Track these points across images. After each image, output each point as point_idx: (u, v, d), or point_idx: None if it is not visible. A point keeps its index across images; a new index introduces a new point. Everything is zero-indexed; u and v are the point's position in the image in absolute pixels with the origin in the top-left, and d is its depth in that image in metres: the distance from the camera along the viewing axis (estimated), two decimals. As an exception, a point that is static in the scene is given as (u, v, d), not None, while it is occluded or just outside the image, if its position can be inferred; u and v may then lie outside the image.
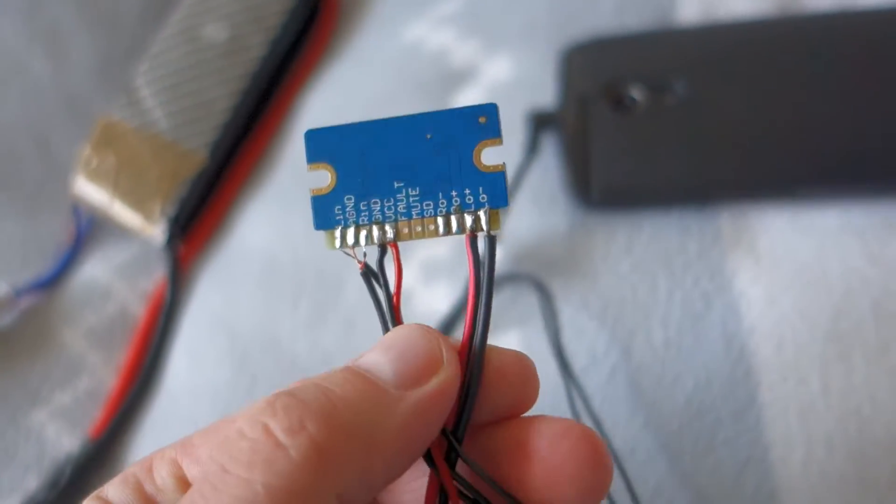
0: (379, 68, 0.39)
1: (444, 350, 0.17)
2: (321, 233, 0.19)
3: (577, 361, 0.30)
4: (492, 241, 0.18)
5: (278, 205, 0.37)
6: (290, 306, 0.34)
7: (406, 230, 0.19)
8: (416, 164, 0.18)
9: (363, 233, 0.19)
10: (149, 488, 0.19)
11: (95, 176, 0.37)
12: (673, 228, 0.32)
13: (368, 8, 0.43)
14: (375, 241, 0.19)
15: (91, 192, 0.37)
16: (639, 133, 0.33)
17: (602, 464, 0.18)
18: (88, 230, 0.38)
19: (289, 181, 0.37)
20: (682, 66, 0.33)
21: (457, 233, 0.18)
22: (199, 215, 0.37)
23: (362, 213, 0.19)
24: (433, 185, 0.18)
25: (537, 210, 0.33)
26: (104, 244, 0.38)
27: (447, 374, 0.17)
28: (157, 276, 0.37)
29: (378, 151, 0.19)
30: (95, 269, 0.37)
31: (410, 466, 0.17)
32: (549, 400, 0.29)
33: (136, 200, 0.36)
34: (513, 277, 0.32)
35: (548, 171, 0.34)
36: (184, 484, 0.18)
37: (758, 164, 0.31)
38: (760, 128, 0.32)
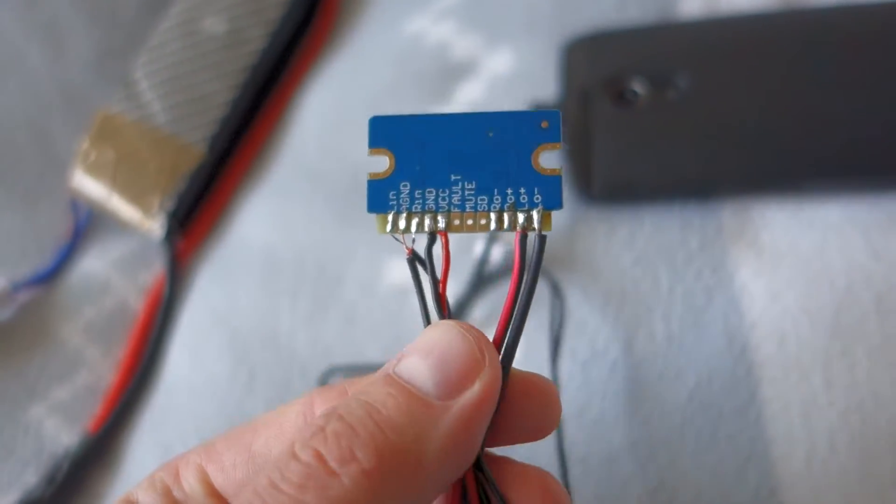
0: (379, 61, 0.39)
1: (485, 350, 0.17)
2: (372, 216, 0.19)
3: (579, 356, 0.30)
4: (542, 241, 0.18)
5: (278, 199, 0.37)
6: (289, 301, 0.33)
7: (457, 222, 0.19)
8: (475, 160, 0.19)
9: (415, 220, 0.19)
10: (177, 494, 0.19)
11: (94, 169, 0.36)
12: (675, 222, 0.31)
13: (369, 1, 0.42)
14: (427, 228, 0.19)
15: (89, 185, 0.36)
16: (640, 127, 0.32)
17: None
18: (87, 224, 0.38)
19: (289, 175, 0.37)
20: (684, 59, 0.33)
21: (507, 229, 0.19)
22: (197, 209, 0.37)
23: (416, 201, 0.19)
24: (490, 180, 0.19)
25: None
26: (102, 238, 0.37)
27: (489, 377, 0.17)
28: (155, 270, 0.37)
29: (439, 143, 0.19)
30: (94, 264, 0.37)
31: (457, 477, 0.17)
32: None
33: (134, 194, 0.36)
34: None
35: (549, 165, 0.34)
36: (210, 489, 0.19)
37: (760, 157, 0.31)
38: (763, 121, 0.31)
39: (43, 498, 0.31)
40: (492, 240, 0.32)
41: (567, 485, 0.27)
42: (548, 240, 0.32)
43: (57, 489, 0.31)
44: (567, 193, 0.32)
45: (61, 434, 0.33)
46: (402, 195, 0.19)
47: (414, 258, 0.19)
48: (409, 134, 0.19)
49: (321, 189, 0.36)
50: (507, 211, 0.19)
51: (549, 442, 0.27)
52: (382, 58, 0.39)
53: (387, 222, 0.19)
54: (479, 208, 0.19)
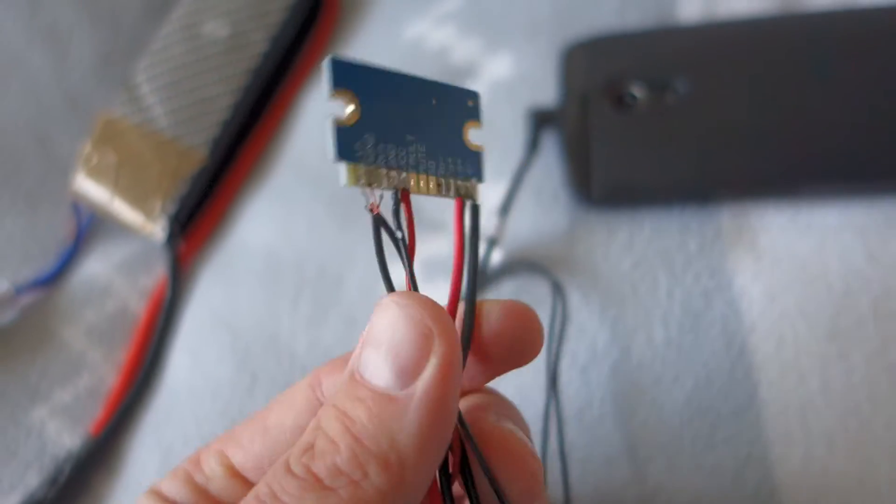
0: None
1: (433, 321, 0.17)
2: (341, 166, 0.18)
3: (579, 359, 0.30)
4: (475, 209, 0.20)
5: (279, 202, 0.37)
6: (290, 303, 0.34)
7: (413, 182, 0.19)
8: (424, 124, 0.19)
9: (381, 175, 0.18)
10: (199, 478, 0.20)
11: (96, 173, 0.37)
12: (674, 226, 0.32)
13: (370, 5, 0.42)
14: (390, 185, 0.19)
15: (91, 189, 0.37)
16: (639, 131, 0.33)
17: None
18: (89, 227, 0.38)
19: (290, 178, 0.37)
20: (682, 64, 0.33)
21: (451, 195, 0.20)
22: (199, 213, 0.37)
23: (379, 156, 0.18)
24: (435, 147, 0.19)
25: (538, 207, 0.33)
26: (104, 241, 0.38)
27: (443, 349, 0.17)
28: (157, 273, 0.37)
29: (397, 100, 0.19)
30: (96, 267, 0.37)
31: (445, 451, 0.18)
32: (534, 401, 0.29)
33: (136, 198, 0.36)
34: (523, 266, 0.32)
35: (549, 169, 0.34)
36: (231, 471, 0.20)
37: (758, 161, 0.31)
38: (761, 126, 0.32)
39: (45, 500, 0.31)
40: (492, 244, 0.32)
41: (567, 485, 0.27)
42: (548, 243, 0.32)
43: (59, 491, 0.31)
44: (566, 197, 0.33)
45: (63, 436, 0.33)
46: (367, 147, 0.18)
47: (380, 219, 0.19)
48: (371, 84, 0.18)
49: (322, 193, 0.36)
50: (450, 178, 0.20)
51: (550, 444, 0.28)
52: (383, 61, 0.39)
53: (357, 173, 0.18)
54: (430, 171, 0.19)
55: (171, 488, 0.20)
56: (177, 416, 0.32)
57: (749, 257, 0.30)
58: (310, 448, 0.17)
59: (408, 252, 0.19)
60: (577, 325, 0.30)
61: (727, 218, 0.31)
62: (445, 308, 0.18)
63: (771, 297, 0.29)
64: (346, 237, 0.35)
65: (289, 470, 0.17)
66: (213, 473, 0.20)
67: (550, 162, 0.34)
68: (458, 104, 0.20)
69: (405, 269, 0.19)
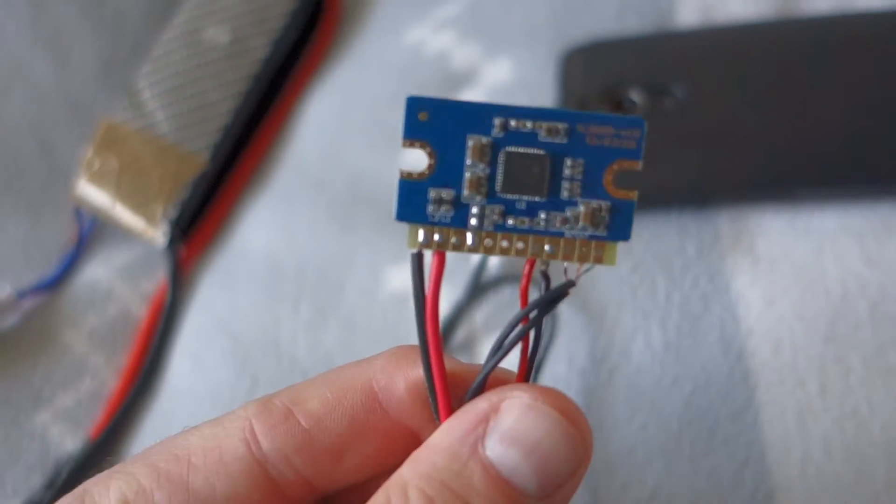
0: (380, 70, 0.40)
1: (588, 443, 0.16)
2: (403, 225, 0.16)
3: (577, 363, 0.30)
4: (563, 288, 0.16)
5: (280, 207, 0.37)
6: (290, 308, 0.34)
7: (505, 244, 0.16)
8: (534, 172, 0.16)
9: (455, 238, 0.16)
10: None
11: (98, 178, 0.37)
12: (672, 230, 0.32)
13: (370, 10, 0.43)
14: (466, 248, 0.16)
15: (93, 194, 0.37)
16: (638, 135, 0.33)
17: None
18: (91, 232, 0.38)
19: (291, 183, 0.38)
20: (680, 69, 0.33)
21: (563, 259, 0.16)
22: (200, 217, 0.37)
23: (458, 214, 0.16)
24: (550, 199, 0.16)
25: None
26: (106, 246, 0.38)
27: (586, 466, 0.16)
28: (158, 277, 0.37)
29: (494, 143, 0.16)
30: (97, 271, 0.37)
31: None
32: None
33: (137, 203, 0.36)
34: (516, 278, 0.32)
35: (547, 174, 0.34)
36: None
37: (756, 166, 0.31)
38: (759, 130, 0.32)
39: (42, 503, 0.31)
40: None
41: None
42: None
43: (55, 494, 0.31)
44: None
45: (66, 440, 0.33)
46: (440, 206, 0.16)
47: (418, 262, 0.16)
48: (455, 126, 0.15)
49: (322, 197, 0.36)
50: (572, 239, 0.16)
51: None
52: (383, 67, 0.40)
53: (418, 236, 0.16)
54: (534, 231, 0.16)
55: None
56: (177, 420, 0.32)
57: (747, 261, 0.30)
58: None
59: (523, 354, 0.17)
60: (576, 328, 0.30)
61: (725, 222, 0.31)
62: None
63: (769, 301, 0.29)
64: (347, 242, 0.35)
65: None
66: None
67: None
68: (607, 138, 0.16)
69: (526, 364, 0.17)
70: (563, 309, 0.31)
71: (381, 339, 0.32)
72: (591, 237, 0.16)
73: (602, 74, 0.34)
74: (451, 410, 0.17)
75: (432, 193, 0.16)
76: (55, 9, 0.42)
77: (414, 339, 0.31)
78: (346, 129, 0.38)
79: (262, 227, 0.37)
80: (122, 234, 0.37)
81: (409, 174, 0.16)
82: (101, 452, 0.32)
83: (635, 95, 0.33)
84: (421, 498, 0.16)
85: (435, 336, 0.17)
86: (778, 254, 0.30)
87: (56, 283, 0.37)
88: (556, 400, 0.16)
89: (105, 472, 0.18)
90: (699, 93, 0.33)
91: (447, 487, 0.16)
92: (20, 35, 0.41)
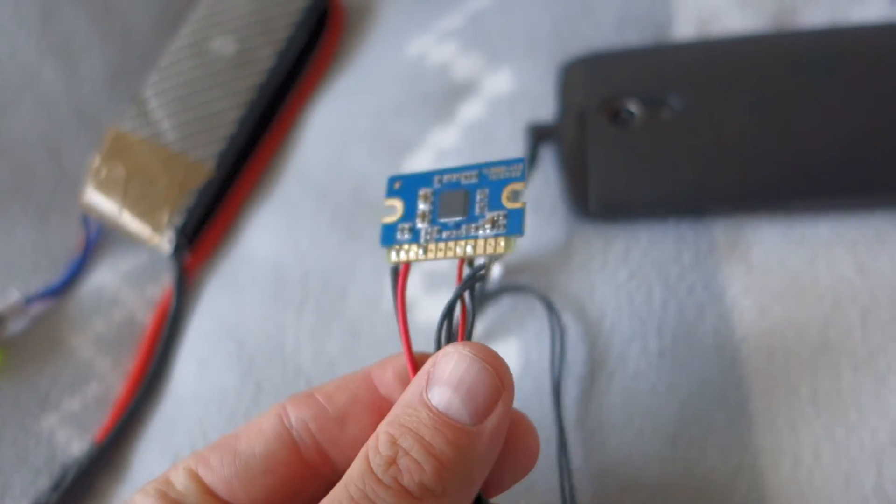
0: (383, 81, 0.40)
1: (504, 376, 0.21)
2: (384, 249, 0.25)
3: (574, 369, 0.30)
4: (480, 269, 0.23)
5: (284, 214, 0.38)
6: (294, 314, 0.34)
7: (441, 249, 0.24)
8: (456, 202, 0.24)
9: (412, 251, 0.24)
10: (173, 494, 0.23)
11: (105, 186, 0.37)
12: (669, 239, 0.32)
13: (373, 22, 0.43)
14: (420, 257, 0.24)
15: (100, 201, 0.37)
16: (636, 146, 0.33)
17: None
18: (98, 239, 0.39)
19: (295, 191, 0.38)
20: (677, 80, 0.34)
21: (480, 253, 0.23)
22: (205, 225, 0.38)
23: (413, 237, 0.24)
24: (469, 218, 0.24)
25: (537, 220, 0.34)
26: (113, 252, 0.38)
27: (508, 397, 0.21)
28: (164, 283, 0.38)
29: (439, 189, 0.24)
30: (104, 277, 0.38)
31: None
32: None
33: (144, 210, 0.37)
34: (516, 289, 0.32)
35: (548, 183, 0.35)
36: (205, 489, 0.23)
37: (752, 176, 0.32)
38: (754, 141, 0.32)
39: (49, 505, 0.32)
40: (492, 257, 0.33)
41: (565, 493, 0.28)
42: (547, 255, 0.33)
43: (62, 496, 0.32)
44: (564, 210, 0.34)
45: (73, 444, 0.34)
46: (403, 233, 0.24)
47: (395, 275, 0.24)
48: (413, 187, 0.25)
49: (326, 205, 0.37)
50: (483, 239, 0.23)
51: (548, 454, 0.28)
52: (386, 77, 0.40)
53: (391, 254, 0.24)
54: (459, 238, 0.24)
55: (144, 501, 0.22)
56: (182, 424, 0.33)
57: (741, 269, 0.31)
58: (392, 463, 0.20)
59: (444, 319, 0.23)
60: (574, 335, 0.31)
61: (721, 231, 0.32)
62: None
63: (762, 310, 0.30)
64: (350, 249, 0.35)
65: (378, 480, 0.20)
66: (187, 491, 0.23)
67: (549, 176, 0.35)
68: (500, 173, 0.24)
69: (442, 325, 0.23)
70: (562, 315, 0.31)
71: (384, 345, 0.33)
72: (496, 235, 0.23)
73: (601, 86, 0.35)
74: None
75: (399, 226, 0.25)
76: (64, 19, 0.43)
77: (415, 348, 0.32)
78: (350, 139, 0.39)
79: (266, 235, 0.37)
80: (128, 240, 0.38)
81: (388, 220, 0.25)
82: (106, 456, 0.33)
83: (633, 106, 0.34)
84: (386, 438, 0.20)
85: (404, 324, 0.23)
86: (772, 262, 0.31)
87: (63, 288, 0.37)
88: (473, 347, 0.21)
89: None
90: (696, 104, 0.33)
91: (404, 427, 0.21)
92: (30, 45, 0.42)
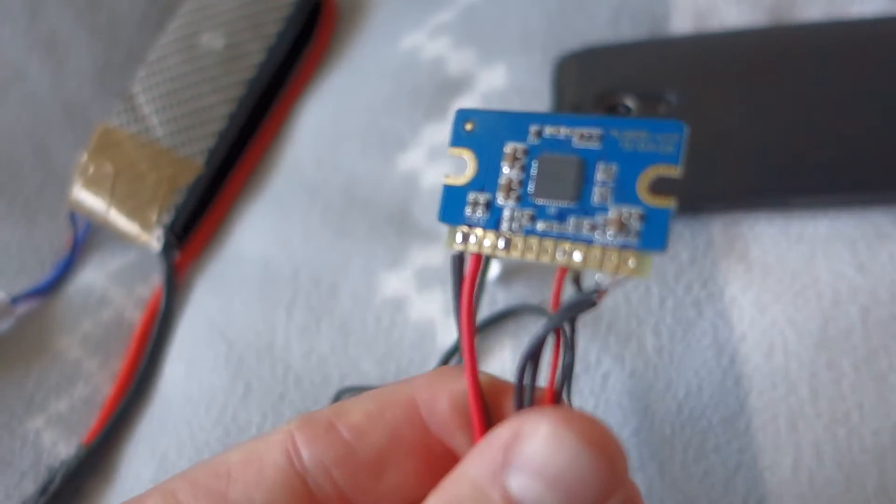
0: (376, 76, 0.40)
1: (619, 470, 0.15)
2: (444, 226, 0.17)
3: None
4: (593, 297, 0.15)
5: (274, 212, 0.37)
6: (284, 313, 0.34)
7: (534, 251, 0.16)
8: (570, 178, 0.16)
9: (488, 240, 0.16)
10: None
11: (92, 183, 0.37)
12: (665, 236, 0.32)
13: (366, 16, 0.43)
14: (498, 253, 0.16)
15: (88, 199, 0.37)
16: (631, 142, 0.33)
17: None
18: (85, 237, 0.38)
19: (286, 188, 0.38)
20: (674, 75, 0.34)
21: (594, 268, 0.16)
22: (195, 222, 0.37)
23: (491, 219, 0.16)
24: (582, 206, 0.16)
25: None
26: (101, 251, 0.38)
27: (620, 496, 0.15)
28: (153, 282, 0.37)
29: (531, 151, 0.16)
30: (92, 276, 0.37)
31: None
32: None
33: (132, 208, 0.36)
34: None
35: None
36: None
37: (749, 173, 0.31)
38: (752, 137, 0.32)
39: (34, 508, 0.31)
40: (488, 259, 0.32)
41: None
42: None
43: (49, 500, 0.31)
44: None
45: (59, 446, 0.33)
46: (476, 209, 0.17)
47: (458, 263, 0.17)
48: (497, 135, 0.16)
49: (317, 202, 0.36)
50: (601, 247, 0.16)
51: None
52: (379, 72, 0.40)
53: (456, 237, 0.17)
54: (562, 236, 0.16)
55: None
56: (171, 425, 0.32)
57: (740, 267, 0.30)
58: None
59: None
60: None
61: (719, 228, 0.32)
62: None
63: (761, 307, 0.29)
64: (341, 247, 0.35)
65: None
66: None
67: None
68: (645, 143, 0.16)
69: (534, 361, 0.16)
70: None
71: (375, 344, 0.32)
72: (622, 245, 0.15)
73: (596, 80, 0.34)
74: (485, 428, 0.16)
75: (470, 196, 0.16)
76: (51, 14, 0.42)
77: (407, 346, 0.31)
78: (342, 135, 0.38)
79: (256, 233, 0.37)
80: (116, 238, 0.38)
81: (452, 180, 0.16)
82: (94, 458, 0.32)
83: (629, 102, 0.33)
84: None
85: (469, 339, 0.16)
86: (771, 260, 0.30)
87: (50, 287, 0.37)
88: (581, 425, 0.15)
89: (144, 492, 0.18)
90: (693, 99, 0.33)
91: None
92: (16, 40, 0.41)
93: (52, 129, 0.40)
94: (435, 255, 0.34)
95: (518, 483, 0.15)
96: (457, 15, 0.40)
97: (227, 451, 0.19)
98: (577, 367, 0.30)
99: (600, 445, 0.15)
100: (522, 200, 0.16)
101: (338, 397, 0.31)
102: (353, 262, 0.34)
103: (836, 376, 0.28)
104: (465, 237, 0.17)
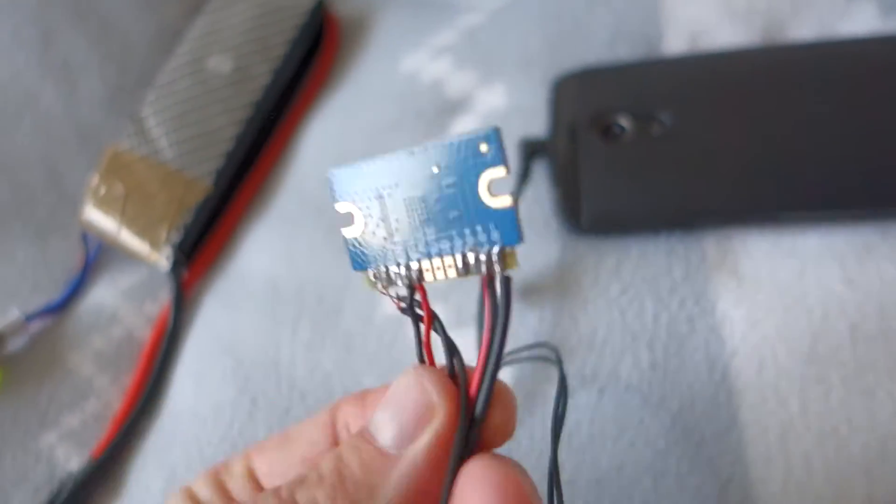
0: (378, 97, 0.40)
1: (438, 397, 0.18)
2: (359, 274, 0.19)
3: (567, 381, 0.31)
4: (506, 284, 0.17)
5: (280, 230, 0.38)
6: (290, 330, 0.34)
7: (428, 271, 0.18)
8: (429, 202, 0.17)
9: (393, 272, 0.18)
10: (224, 478, 0.23)
11: (104, 204, 0.38)
12: (660, 252, 0.32)
13: (368, 38, 0.44)
14: (402, 282, 0.18)
15: (99, 219, 0.38)
16: (627, 161, 0.34)
17: None
18: (97, 256, 0.39)
19: (291, 207, 0.39)
20: (668, 96, 0.34)
21: (475, 273, 0.18)
22: (203, 241, 0.38)
23: (388, 256, 0.18)
24: (446, 223, 0.17)
25: (530, 235, 0.34)
26: (112, 270, 0.39)
27: (439, 424, 0.18)
28: (162, 300, 0.38)
29: (394, 191, 0.18)
30: (103, 294, 0.38)
31: None
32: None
33: (142, 227, 0.37)
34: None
35: (540, 198, 0.35)
36: (250, 474, 0.23)
37: (741, 190, 0.32)
38: (743, 155, 0.33)
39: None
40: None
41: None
42: (539, 269, 0.33)
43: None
44: (556, 225, 0.34)
45: (72, 461, 0.34)
46: (374, 249, 0.18)
47: (406, 311, 0.19)
48: (365, 185, 0.18)
49: (322, 221, 0.37)
50: (471, 253, 0.17)
51: (540, 464, 0.28)
52: (381, 93, 0.41)
53: (371, 279, 0.19)
54: (444, 253, 0.18)
55: (199, 487, 0.23)
56: (179, 440, 0.33)
57: (732, 282, 0.31)
58: (302, 481, 0.18)
59: (425, 338, 0.19)
60: (567, 348, 0.31)
61: (711, 244, 0.32)
62: (471, 383, 0.18)
63: (752, 323, 0.30)
64: (346, 265, 0.35)
65: (277, 493, 0.18)
66: (235, 475, 0.23)
67: (541, 191, 0.35)
68: (467, 157, 0.17)
69: (420, 351, 0.19)
70: (555, 330, 0.32)
71: (377, 360, 0.33)
72: (489, 247, 0.17)
73: (592, 101, 0.35)
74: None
75: (366, 241, 0.19)
76: (64, 41, 0.43)
77: (408, 363, 0.32)
78: (346, 154, 0.39)
79: (263, 251, 0.38)
80: (127, 257, 0.38)
81: (349, 232, 0.19)
82: (102, 471, 0.33)
83: (624, 121, 0.34)
84: (312, 463, 0.19)
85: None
86: (762, 275, 0.31)
87: (63, 306, 0.38)
88: (421, 368, 0.19)
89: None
90: (686, 119, 0.34)
91: (331, 453, 0.19)
92: (30, 66, 0.43)
93: (64, 152, 0.41)
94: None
95: (371, 418, 0.19)
96: (457, 37, 0.41)
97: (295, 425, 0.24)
98: (574, 381, 0.31)
99: (427, 376, 0.18)
100: (400, 234, 0.18)
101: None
102: (357, 280, 0.35)
103: (825, 390, 0.28)
104: (377, 277, 0.19)
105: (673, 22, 0.37)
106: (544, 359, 0.30)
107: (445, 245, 0.17)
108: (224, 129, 0.39)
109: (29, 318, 0.36)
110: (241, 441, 0.32)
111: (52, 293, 0.38)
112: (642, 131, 0.34)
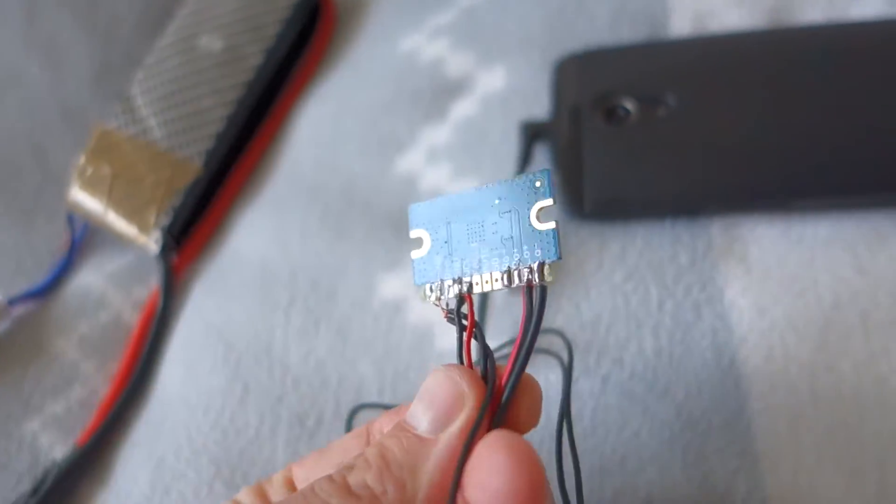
0: (375, 78, 0.40)
1: (467, 387, 0.21)
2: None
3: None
4: (542, 292, 0.21)
5: (272, 214, 0.37)
6: (282, 315, 0.34)
7: (478, 284, 0.22)
8: (486, 226, 0.22)
9: (447, 285, 0.22)
10: (265, 487, 0.24)
11: (90, 185, 0.37)
12: (665, 238, 0.32)
13: (365, 18, 0.43)
14: (454, 293, 0.22)
15: (86, 200, 0.37)
16: (631, 145, 0.33)
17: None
18: (83, 238, 0.38)
19: (285, 190, 0.38)
20: (673, 78, 0.34)
21: (517, 284, 0.21)
22: (193, 224, 0.37)
23: (445, 271, 0.22)
24: (499, 243, 0.21)
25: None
26: (99, 253, 0.38)
27: (470, 409, 0.21)
28: (151, 284, 0.37)
29: (459, 218, 0.22)
30: (89, 278, 0.37)
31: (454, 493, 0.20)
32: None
33: (130, 209, 0.36)
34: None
35: (541, 182, 0.34)
36: (288, 481, 0.24)
37: (749, 175, 0.31)
38: (751, 139, 0.32)
39: (26, 508, 0.31)
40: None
41: (564, 494, 0.27)
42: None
43: (41, 500, 0.31)
44: (558, 210, 0.33)
45: (55, 448, 0.33)
46: (436, 266, 0.23)
47: (451, 318, 0.22)
48: (438, 215, 0.23)
49: (316, 204, 0.36)
50: (515, 268, 0.21)
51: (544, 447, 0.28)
52: (377, 74, 0.40)
53: (426, 292, 0.23)
54: (493, 269, 0.21)
55: (242, 496, 0.24)
56: (168, 428, 0.32)
57: (739, 270, 0.30)
58: (351, 467, 0.21)
59: (466, 341, 0.22)
60: (569, 335, 0.30)
61: (718, 231, 0.31)
62: (503, 375, 0.21)
63: (761, 310, 0.29)
64: (340, 249, 0.35)
65: (330, 477, 0.21)
66: (276, 485, 0.25)
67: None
68: (524, 192, 0.21)
69: (460, 353, 0.22)
70: (557, 317, 0.31)
71: (373, 346, 0.32)
72: (530, 263, 0.21)
73: (595, 83, 0.34)
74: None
75: (430, 260, 0.23)
76: (48, 16, 0.42)
77: (405, 350, 0.32)
78: (341, 137, 0.38)
79: (255, 235, 0.37)
80: (114, 240, 0.37)
81: (416, 253, 0.23)
82: (88, 459, 0.32)
83: (628, 104, 0.33)
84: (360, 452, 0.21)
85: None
86: (770, 262, 0.30)
87: (47, 289, 0.37)
88: (450, 365, 0.21)
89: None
90: (692, 102, 0.33)
91: (376, 443, 0.21)
92: (13, 43, 0.41)
93: (50, 131, 0.40)
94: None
95: (408, 411, 0.21)
96: (456, 17, 0.40)
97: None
98: (577, 370, 0.30)
99: (457, 372, 0.21)
100: (459, 253, 0.22)
101: (352, 414, 0.30)
102: (352, 263, 0.34)
103: (836, 379, 0.27)
104: (432, 289, 0.23)
105: (679, 2, 0.37)
106: (545, 351, 0.30)
107: (495, 262, 0.21)
108: (214, 109, 0.38)
109: (12, 301, 0.35)
110: (231, 429, 0.31)
111: (36, 276, 0.37)
112: (647, 114, 0.33)
